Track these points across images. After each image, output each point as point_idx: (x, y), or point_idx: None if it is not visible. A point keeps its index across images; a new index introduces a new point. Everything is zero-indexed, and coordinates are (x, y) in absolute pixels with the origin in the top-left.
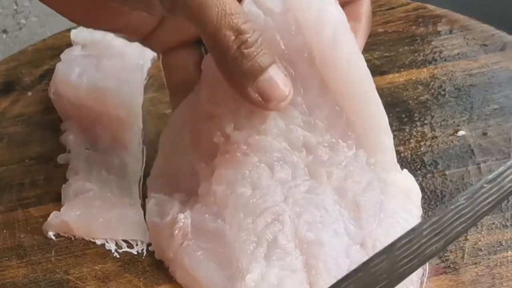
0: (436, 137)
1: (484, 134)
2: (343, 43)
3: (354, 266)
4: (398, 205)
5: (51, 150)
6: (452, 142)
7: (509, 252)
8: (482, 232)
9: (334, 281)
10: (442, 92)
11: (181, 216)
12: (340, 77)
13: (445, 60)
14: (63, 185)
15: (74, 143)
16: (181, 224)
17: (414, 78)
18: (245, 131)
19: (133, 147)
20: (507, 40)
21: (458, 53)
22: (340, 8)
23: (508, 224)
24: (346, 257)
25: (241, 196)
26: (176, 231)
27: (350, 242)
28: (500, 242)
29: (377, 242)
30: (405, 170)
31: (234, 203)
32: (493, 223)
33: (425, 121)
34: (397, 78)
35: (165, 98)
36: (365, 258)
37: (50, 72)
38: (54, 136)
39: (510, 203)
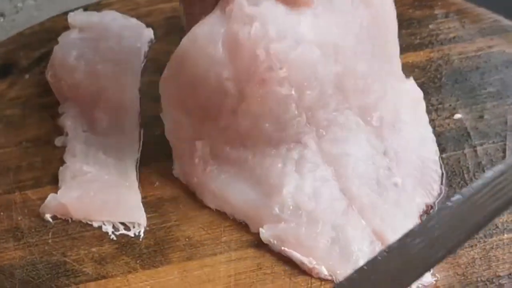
0: (433, 120)
1: (481, 117)
2: None
3: (380, 171)
4: (411, 112)
5: (49, 132)
6: (448, 125)
7: (505, 235)
8: None
9: (365, 187)
10: (439, 76)
11: (199, 144)
12: None
13: (442, 43)
14: (61, 168)
15: (72, 125)
16: (200, 152)
17: (410, 61)
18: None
19: (130, 129)
20: (503, 23)
21: (455, 37)
22: None
23: None
24: (373, 164)
25: (265, 130)
26: (197, 160)
27: (373, 152)
28: (496, 225)
29: (399, 148)
30: (411, 78)
31: (258, 135)
32: None
33: None
34: None
35: None
36: (388, 165)
37: (47, 55)
38: (51, 119)
39: None
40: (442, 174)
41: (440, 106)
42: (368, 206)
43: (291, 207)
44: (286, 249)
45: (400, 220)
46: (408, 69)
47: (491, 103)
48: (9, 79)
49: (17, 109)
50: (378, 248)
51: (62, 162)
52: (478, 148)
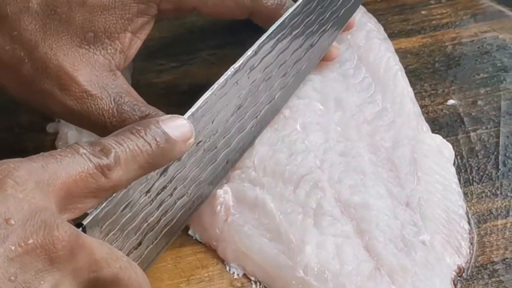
0: (426, 106)
1: (474, 103)
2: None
3: (405, 227)
4: (433, 162)
5: (41, 118)
6: (442, 111)
7: (499, 221)
8: (472, 201)
9: (391, 246)
10: (432, 61)
11: (220, 191)
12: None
13: (435, 29)
14: None
15: None
16: (222, 199)
17: (403, 47)
18: None
19: None
20: (497, 9)
21: (448, 22)
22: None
23: (498, 192)
24: (396, 218)
25: (279, 162)
26: (218, 207)
27: (395, 203)
28: (490, 210)
29: (421, 200)
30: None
31: (272, 169)
32: (483, 192)
33: (415, 90)
34: None
35: (154, 67)
36: (413, 218)
37: None
38: None
39: (500, 172)
40: (470, 230)
41: (433, 92)
42: (397, 269)
43: (315, 269)
44: None
45: (433, 285)
46: (401, 55)
47: (485, 88)
48: None
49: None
50: None
51: (54, 148)
52: (472, 134)
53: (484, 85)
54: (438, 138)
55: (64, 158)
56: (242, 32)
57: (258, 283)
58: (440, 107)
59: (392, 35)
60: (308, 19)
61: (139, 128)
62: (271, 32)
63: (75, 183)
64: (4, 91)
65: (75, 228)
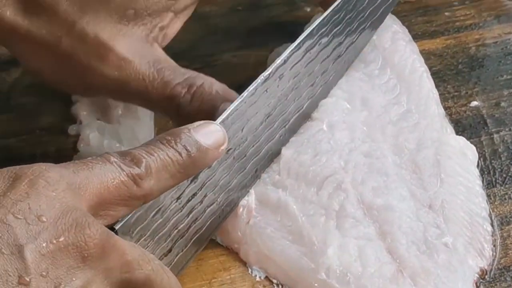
0: (449, 108)
1: (497, 104)
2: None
3: (427, 229)
4: (456, 164)
5: (62, 120)
6: (465, 112)
7: None
8: (495, 203)
9: (413, 248)
10: (455, 63)
11: None
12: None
13: (458, 30)
14: (74, 156)
15: (85, 113)
16: (245, 202)
17: (427, 48)
18: None
19: (144, 117)
20: None
21: (471, 24)
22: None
23: None
24: (418, 221)
25: (303, 163)
26: (241, 209)
27: (418, 205)
28: None
29: (444, 203)
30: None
31: (296, 171)
32: (506, 194)
33: (438, 92)
34: None
35: None
36: (435, 220)
37: None
38: (65, 107)
39: None
40: (493, 232)
41: (456, 93)
42: (420, 272)
43: (337, 271)
44: None
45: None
46: (424, 57)
47: (508, 90)
48: (22, 66)
49: (30, 97)
50: None
51: (76, 150)
52: (495, 135)
53: (507, 87)
54: (461, 140)
55: (96, 165)
56: (264, 33)
57: (280, 286)
58: (463, 108)
59: (415, 37)
60: (337, 29)
61: (169, 138)
62: (300, 41)
63: (107, 190)
64: (40, 76)
65: (106, 228)
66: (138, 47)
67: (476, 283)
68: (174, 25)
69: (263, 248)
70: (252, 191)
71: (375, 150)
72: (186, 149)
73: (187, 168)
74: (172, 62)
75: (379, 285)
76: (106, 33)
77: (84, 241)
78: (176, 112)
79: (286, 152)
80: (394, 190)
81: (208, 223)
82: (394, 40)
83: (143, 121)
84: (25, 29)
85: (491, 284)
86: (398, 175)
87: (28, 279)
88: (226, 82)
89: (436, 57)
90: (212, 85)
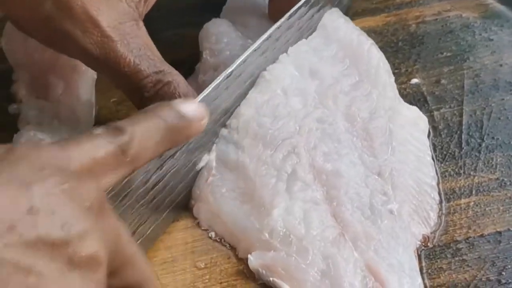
0: None
1: (437, 81)
2: None
3: (374, 195)
4: (408, 133)
5: (3, 100)
6: (405, 90)
7: (462, 200)
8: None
9: (358, 213)
10: (395, 40)
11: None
12: None
13: (399, 8)
14: (15, 135)
15: (25, 92)
16: (206, 160)
17: (367, 26)
18: None
19: (85, 95)
20: None
21: (411, 1)
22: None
23: (461, 172)
24: (366, 187)
25: (262, 125)
26: (201, 168)
27: (367, 172)
28: (453, 189)
29: (394, 170)
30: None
31: (255, 132)
32: (446, 171)
33: None
34: None
35: None
36: (383, 187)
37: (2, 21)
38: (5, 86)
39: (463, 151)
40: (441, 201)
41: (396, 71)
42: (362, 236)
43: (281, 233)
44: (275, 280)
45: (395, 253)
46: None
47: (448, 67)
48: None
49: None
50: (370, 284)
51: (16, 129)
52: (435, 113)
53: (447, 64)
54: (414, 109)
55: (81, 140)
56: (203, 12)
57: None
58: (403, 86)
59: (356, 14)
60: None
61: (153, 107)
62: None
63: (95, 162)
64: (23, 30)
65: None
66: (123, 26)
67: (417, 250)
68: None
69: (213, 207)
70: (214, 148)
71: (328, 116)
72: (170, 116)
73: (172, 135)
74: (152, 49)
75: (320, 247)
76: (95, 3)
77: (87, 193)
78: (138, 101)
79: (246, 111)
80: (345, 156)
81: (169, 185)
82: (333, 20)
83: (84, 100)
84: None
85: (431, 261)
86: (349, 142)
87: (37, 208)
88: (167, 62)
89: (376, 35)
90: (177, 88)
